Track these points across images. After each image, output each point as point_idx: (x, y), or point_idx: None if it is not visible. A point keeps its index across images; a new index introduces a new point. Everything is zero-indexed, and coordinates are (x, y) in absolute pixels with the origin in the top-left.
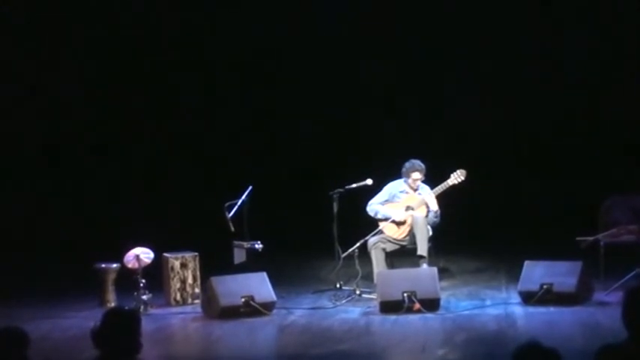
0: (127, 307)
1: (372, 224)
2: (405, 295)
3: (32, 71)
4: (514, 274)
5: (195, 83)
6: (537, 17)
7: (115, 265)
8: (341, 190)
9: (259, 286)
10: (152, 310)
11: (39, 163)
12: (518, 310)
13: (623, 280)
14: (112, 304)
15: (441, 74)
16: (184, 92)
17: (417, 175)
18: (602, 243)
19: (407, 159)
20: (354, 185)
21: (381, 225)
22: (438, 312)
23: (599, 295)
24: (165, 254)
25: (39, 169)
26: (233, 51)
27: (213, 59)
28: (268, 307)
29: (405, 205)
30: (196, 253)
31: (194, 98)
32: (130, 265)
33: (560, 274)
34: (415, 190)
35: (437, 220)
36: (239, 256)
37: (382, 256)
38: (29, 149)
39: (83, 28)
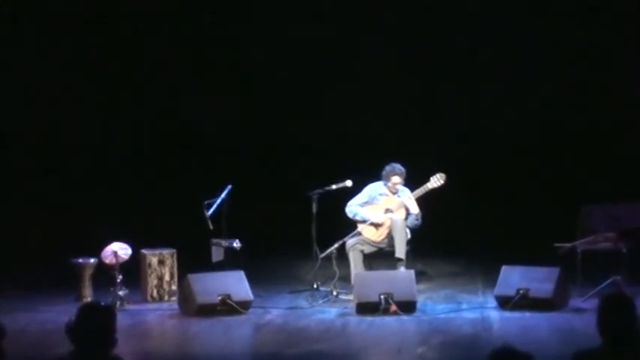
0: (102, 303)
1: (350, 226)
2: (382, 297)
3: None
4: (491, 279)
5: (177, 79)
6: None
7: (92, 261)
8: (320, 190)
9: (236, 284)
10: (128, 306)
11: (18, 157)
12: (494, 314)
13: (599, 288)
14: (89, 299)
15: (421, 77)
16: (164, 88)
17: (396, 179)
18: (579, 250)
19: (387, 161)
20: (333, 186)
21: (360, 227)
22: (415, 314)
23: (575, 302)
24: (143, 250)
25: (18, 163)
26: (216, 45)
27: (196, 50)
28: (245, 305)
29: (384, 207)
30: (174, 250)
31: (174, 95)
32: (107, 261)
33: (537, 279)
34: (394, 193)
35: (418, 222)
36: (217, 255)
37: (360, 257)
38: (7, 144)
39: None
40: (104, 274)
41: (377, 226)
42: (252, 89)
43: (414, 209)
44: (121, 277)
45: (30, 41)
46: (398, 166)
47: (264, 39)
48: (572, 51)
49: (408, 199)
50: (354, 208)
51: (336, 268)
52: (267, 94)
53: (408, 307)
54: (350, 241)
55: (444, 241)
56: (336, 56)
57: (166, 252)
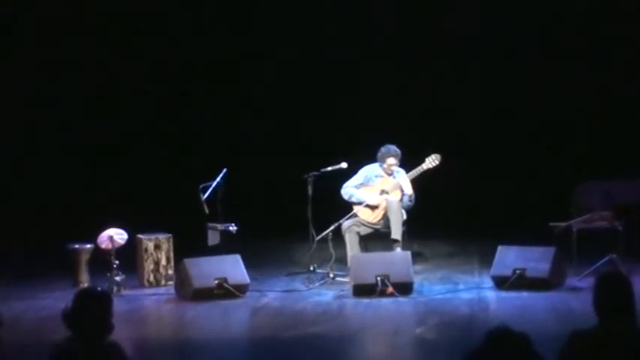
0: (98, 288)
1: (346, 208)
2: (379, 278)
3: None
4: (487, 259)
5: (170, 64)
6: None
7: (88, 246)
8: (316, 172)
9: (233, 268)
10: (125, 291)
11: (14, 144)
12: (490, 294)
13: (595, 266)
14: (85, 285)
15: (417, 59)
16: (158, 74)
17: (392, 161)
18: (575, 229)
19: (382, 143)
20: (329, 168)
21: (356, 208)
22: (411, 296)
23: (571, 281)
24: (139, 235)
25: (14, 150)
26: (208, 32)
27: (189, 39)
28: (241, 289)
29: (379, 188)
30: (170, 235)
31: (167, 80)
32: (103, 246)
33: (533, 259)
34: (390, 174)
35: (411, 203)
36: (213, 238)
37: (356, 239)
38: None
39: None
40: (100, 259)
41: (373, 207)
42: (249, 73)
43: (408, 190)
44: (117, 262)
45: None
46: (393, 148)
47: (264, 24)
48: (570, 22)
49: (403, 180)
50: (349, 189)
51: (332, 251)
52: (263, 78)
53: (404, 288)
54: (346, 223)
55: (440, 222)
56: (332, 41)
57: (162, 237)
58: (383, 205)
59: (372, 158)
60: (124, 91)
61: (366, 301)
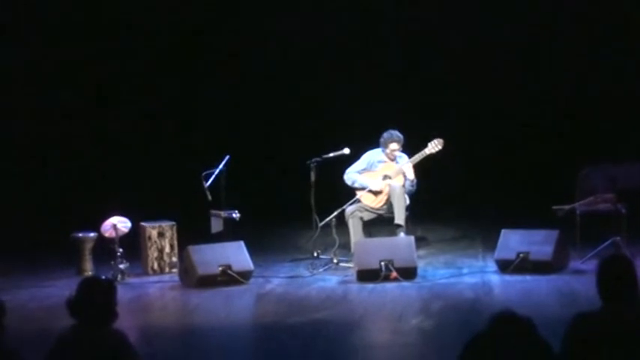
0: (102, 276)
1: (349, 193)
2: (383, 263)
3: None
4: (491, 243)
5: (174, 54)
6: None
7: (92, 234)
8: (318, 159)
9: (236, 254)
10: (129, 279)
11: (17, 132)
12: (494, 278)
13: (598, 249)
14: (89, 273)
15: (416, 42)
16: (163, 60)
17: (394, 146)
18: (578, 212)
19: (385, 128)
20: (331, 154)
21: (359, 194)
22: (415, 280)
23: (575, 264)
24: (143, 223)
25: (18, 138)
26: (210, 21)
27: (190, 28)
28: (245, 275)
29: (382, 174)
30: (174, 222)
31: (174, 67)
32: (107, 234)
33: (537, 242)
34: (393, 160)
35: (413, 189)
36: (216, 225)
37: (359, 224)
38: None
39: None
40: (104, 247)
41: (376, 192)
42: (251, 60)
43: (410, 175)
44: (121, 250)
45: None
46: (396, 133)
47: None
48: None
49: (406, 165)
50: (352, 175)
51: (335, 236)
52: (266, 64)
53: (408, 273)
54: (349, 209)
55: (443, 207)
56: (335, 26)
57: (166, 224)
58: (386, 190)
59: (374, 144)
60: (126, 79)
61: (370, 286)
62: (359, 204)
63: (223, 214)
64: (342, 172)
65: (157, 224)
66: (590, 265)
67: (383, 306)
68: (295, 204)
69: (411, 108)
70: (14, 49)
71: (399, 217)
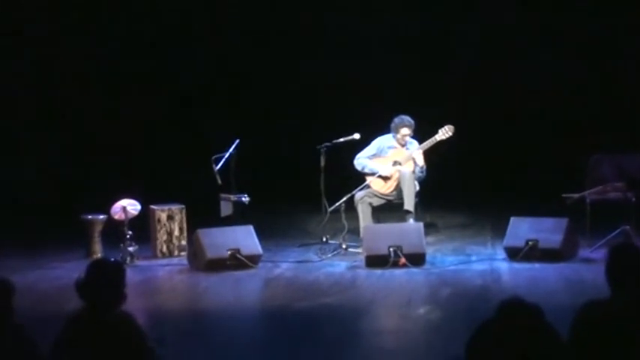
0: (111, 259)
1: (359, 179)
2: (391, 249)
3: None
4: (500, 230)
5: (180, 36)
6: None
7: (101, 217)
8: (328, 144)
9: (246, 239)
10: (138, 262)
11: (27, 113)
12: (503, 265)
13: (608, 238)
14: (98, 256)
15: (430, 28)
16: (172, 45)
17: (405, 131)
18: (588, 200)
19: (396, 114)
20: (341, 139)
21: (368, 179)
22: (424, 267)
23: (584, 252)
24: (152, 206)
25: (27, 120)
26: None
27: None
28: (254, 260)
29: (392, 159)
30: (183, 206)
31: (183, 50)
32: (116, 217)
33: (546, 230)
34: (403, 145)
35: (423, 175)
36: (226, 209)
37: (369, 210)
38: (18, 100)
39: None
40: (114, 230)
41: (385, 178)
42: (260, 41)
43: (420, 162)
44: (130, 233)
45: None
46: (407, 118)
47: None
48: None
49: (417, 151)
50: (362, 160)
51: (344, 222)
52: (275, 46)
53: (417, 259)
54: (358, 194)
55: (452, 194)
56: (345, 6)
57: (175, 207)
58: (396, 176)
59: (385, 129)
60: (137, 62)
61: (378, 272)
62: (368, 189)
63: (233, 197)
64: (352, 158)
65: (166, 207)
66: (600, 253)
67: (391, 292)
68: (305, 189)
69: (422, 94)
70: None
71: (409, 203)
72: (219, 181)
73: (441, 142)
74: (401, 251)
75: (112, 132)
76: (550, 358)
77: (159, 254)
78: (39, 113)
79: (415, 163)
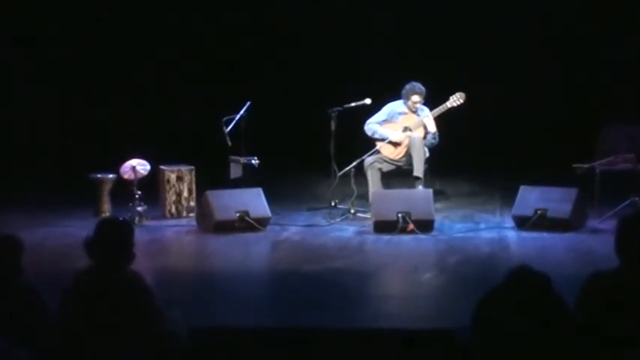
0: (120, 218)
1: (369, 144)
2: (400, 215)
3: None
4: (509, 199)
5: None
6: None
7: (110, 176)
8: (339, 108)
9: (254, 201)
10: (147, 222)
11: (39, 70)
12: (511, 234)
13: (617, 209)
14: (107, 215)
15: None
16: (182, 8)
17: (416, 98)
18: (598, 170)
19: (407, 80)
20: (352, 104)
21: (378, 145)
22: (432, 233)
23: (592, 223)
24: (162, 166)
25: (39, 77)
26: None
27: None
28: (263, 222)
29: (402, 125)
30: (192, 167)
31: (192, 14)
32: (126, 176)
33: (555, 200)
34: (414, 112)
35: (435, 141)
36: (235, 171)
37: (378, 176)
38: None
39: None
40: (123, 189)
41: (395, 144)
42: (270, 5)
43: (432, 128)
44: (139, 192)
45: None
46: (418, 85)
47: None
48: None
49: (427, 117)
50: (372, 126)
51: (353, 186)
52: (286, 10)
53: (425, 226)
54: (368, 159)
55: (462, 161)
56: None
57: (185, 168)
58: (406, 142)
59: (396, 95)
60: (149, 27)
61: (386, 237)
62: (378, 155)
63: (242, 160)
64: (363, 123)
65: (175, 168)
66: (608, 224)
67: (399, 258)
68: (315, 153)
69: (434, 60)
70: None
71: (418, 170)
72: (229, 143)
73: (452, 109)
74: (409, 217)
75: (124, 92)
76: (557, 326)
77: (167, 215)
78: (50, 73)
79: (426, 129)
